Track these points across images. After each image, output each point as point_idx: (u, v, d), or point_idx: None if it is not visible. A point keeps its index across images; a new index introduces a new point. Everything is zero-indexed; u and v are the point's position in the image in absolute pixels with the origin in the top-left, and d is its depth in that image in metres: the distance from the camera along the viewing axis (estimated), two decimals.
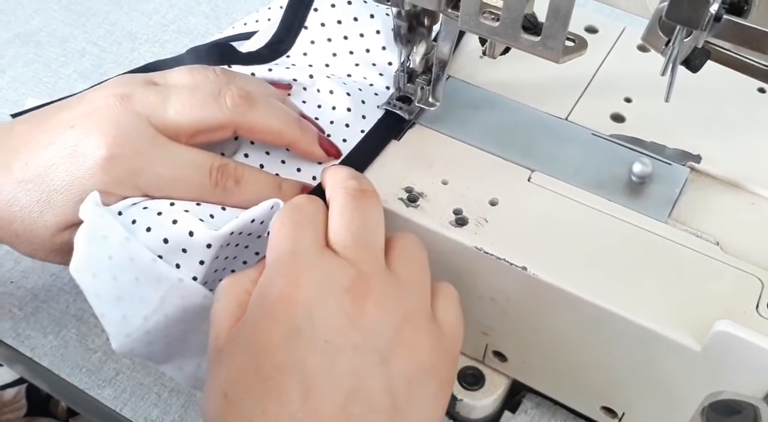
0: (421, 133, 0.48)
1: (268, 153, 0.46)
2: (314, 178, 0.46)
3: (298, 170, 0.46)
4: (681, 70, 0.38)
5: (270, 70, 0.49)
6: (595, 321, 0.41)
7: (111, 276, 0.39)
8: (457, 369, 0.48)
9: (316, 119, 0.48)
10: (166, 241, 0.40)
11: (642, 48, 0.52)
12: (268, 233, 0.40)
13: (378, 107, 0.49)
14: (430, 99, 0.48)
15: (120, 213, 0.40)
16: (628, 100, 0.50)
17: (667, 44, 0.36)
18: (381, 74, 0.51)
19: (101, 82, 0.46)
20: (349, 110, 0.48)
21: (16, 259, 0.57)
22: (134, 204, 0.41)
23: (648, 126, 0.48)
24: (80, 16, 0.74)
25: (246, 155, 0.45)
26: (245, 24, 0.57)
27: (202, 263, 0.40)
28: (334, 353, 0.35)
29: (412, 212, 0.44)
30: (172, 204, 0.41)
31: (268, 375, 0.35)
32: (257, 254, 0.44)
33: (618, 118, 0.49)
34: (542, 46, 0.37)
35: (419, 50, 0.46)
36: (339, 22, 0.52)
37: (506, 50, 0.43)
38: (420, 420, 0.37)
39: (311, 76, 0.49)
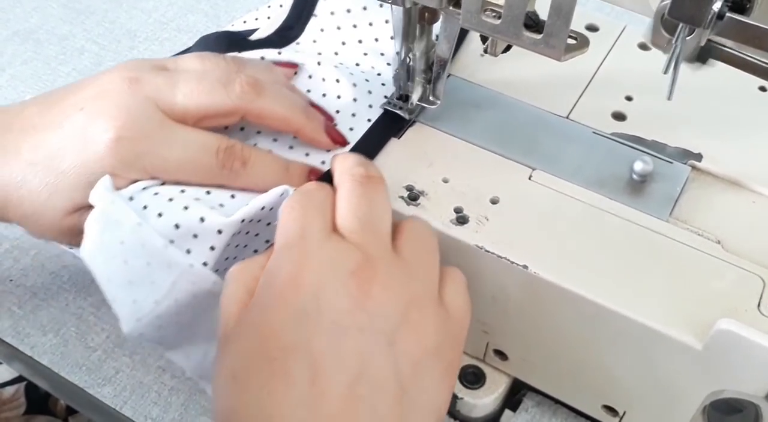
0: (421, 131, 0.48)
1: (275, 141, 0.46)
2: (323, 162, 0.46)
3: (306, 154, 0.46)
4: (682, 66, 0.38)
5: (279, 53, 0.50)
6: (596, 320, 0.41)
7: (122, 261, 0.40)
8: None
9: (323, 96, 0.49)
10: (177, 226, 0.40)
11: (643, 46, 0.52)
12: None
13: (379, 106, 0.49)
14: (431, 97, 0.48)
15: (131, 198, 0.41)
16: (629, 98, 0.50)
17: (669, 42, 0.35)
18: (389, 64, 0.51)
19: None
20: (355, 100, 0.49)
21: (15, 257, 0.57)
22: (144, 189, 0.41)
23: (649, 124, 0.48)
24: (79, 14, 0.74)
25: (255, 145, 0.46)
26: (245, 22, 0.57)
27: (212, 249, 0.41)
28: (340, 334, 0.36)
29: (413, 211, 0.44)
30: (182, 191, 0.41)
31: (275, 356, 0.35)
32: (267, 242, 0.45)
33: (619, 116, 0.49)
34: (544, 44, 0.37)
35: (420, 48, 0.46)
36: (348, 10, 0.52)
37: (507, 48, 0.43)
38: (426, 402, 0.37)
39: (319, 64, 0.49)
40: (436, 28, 0.45)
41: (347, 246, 0.38)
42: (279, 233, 0.39)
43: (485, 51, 0.43)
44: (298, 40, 0.53)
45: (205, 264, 0.41)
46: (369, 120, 0.48)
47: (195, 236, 0.40)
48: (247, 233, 0.43)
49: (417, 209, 0.44)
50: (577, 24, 0.47)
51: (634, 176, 0.45)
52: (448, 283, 0.40)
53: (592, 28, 0.53)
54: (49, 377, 0.52)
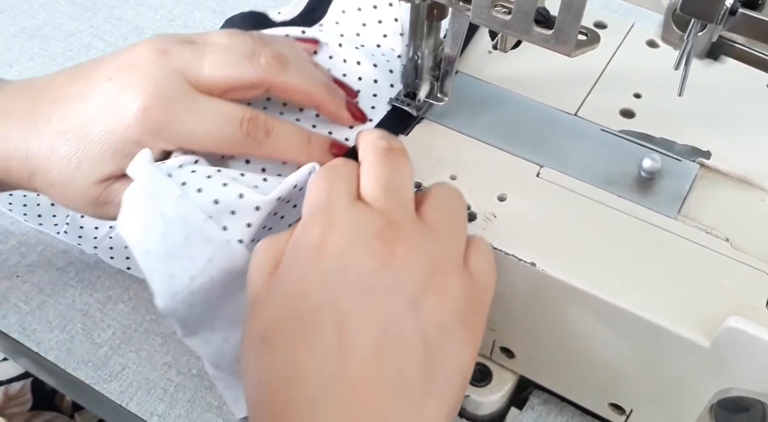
0: (429, 128, 0.48)
1: (298, 120, 0.47)
2: (346, 139, 0.47)
3: (329, 133, 0.47)
4: (692, 64, 0.38)
5: (303, 32, 0.50)
6: (603, 317, 0.41)
7: (162, 234, 0.40)
8: None
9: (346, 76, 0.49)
10: (216, 202, 0.40)
11: (651, 43, 0.52)
12: None
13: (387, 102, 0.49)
14: (439, 94, 0.48)
15: (169, 175, 0.41)
16: (637, 95, 0.49)
17: (680, 38, 0.35)
18: (399, 56, 0.51)
19: None
20: (375, 81, 0.49)
21: (22, 254, 0.57)
22: (181, 167, 0.42)
23: (657, 122, 0.48)
24: (86, 10, 0.74)
25: None
26: (279, 13, 0.58)
27: (249, 226, 0.41)
28: (366, 293, 0.37)
29: None
30: (219, 171, 0.42)
31: (303, 316, 0.36)
32: (290, 225, 0.45)
33: (627, 113, 0.49)
34: (555, 40, 0.37)
35: (428, 45, 0.46)
36: None
37: (517, 44, 0.43)
38: (451, 364, 0.37)
39: (340, 45, 0.50)
40: (445, 24, 0.45)
41: (371, 212, 0.39)
42: (306, 203, 0.40)
43: (495, 47, 0.43)
44: (321, 22, 0.53)
45: (240, 242, 0.41)
46: (390, 99, 0.49)
47: (233, 212, 0.41)
48: (275, 214, 0.43)
49: None
50: (586, 21, 0.46)
51: (643, 174, 0.45)
52: (473, 250, 0.41)
53: (600, 26, 0.53)
54: (55, 373, 0.52)
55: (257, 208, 0.41)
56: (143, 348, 0.53)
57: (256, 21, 0.53)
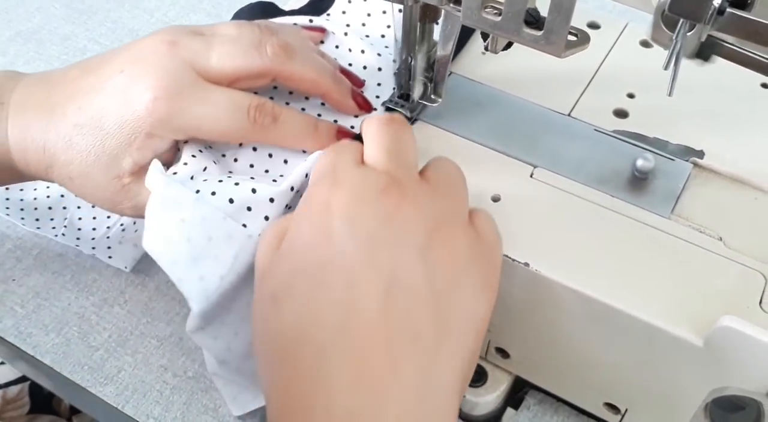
0: (423, 129, 0.48)
1: (304, 109, 0.47)
2: (352, 127, 0.47)
3: (335, 121, 0.47)
4: (684, 63, 0.38)
5: (310, 21, 0.51)
6: (597, 317, 0.41)
7: (185, 239, 0.40)
8: None
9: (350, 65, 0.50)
10: (231, 201, 0.41)
11: (645, 44, 0.52)
12: None
13: (381, 104, 0.49)
14: (432, 96, 0.48)
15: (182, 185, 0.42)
16: (630, 95, 0.49)
17: (670, 38, 0.35)
18: (395, 61, 0.51)
19: None
20: (380, 69, 0.50)
21: (18, 257, 0.57)
22: (193, 178, 0.43)
23: (651, 122, 0.48)
24: (82, 14, 0.74)
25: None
26: None
27: (267, 218, 0.42)
28: (372, 246, 0.37)
29: None
30: (229, 176, 0.43)
31: (311, 272, 0.37)
32: None
33: (621, 113, 0.49)
34: (544, 41, 0.37)
35: (421, 47, 0.46)
36: None
37: (508, 46, 0.43)
38: (464, 313, 0.38)
39: (345, 35, 0.51)
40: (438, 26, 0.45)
41: (375, 171, 0.40)
42: (313, 173, 0.42)
43: (486, 48, 0.43)
44: (328, 12, 0.54)
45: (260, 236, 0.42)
46: (394, 89, 0.49)
47: (249, 208, 0.42)
48: (288, 208, 0.44)
49: None
50: (579, 21, 0.47)
51: (636, 174, 0.45)
52: (477, 215, 0.42)
53: (593, 26, 0.53)
54: (52, 376, 0.52)
55: (271, 200, 0.42)
56: (139, 351, 0.53)
57: (264, 10, 0.55)
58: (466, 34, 0.51)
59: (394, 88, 0.49)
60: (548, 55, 0.39)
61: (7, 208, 0.56)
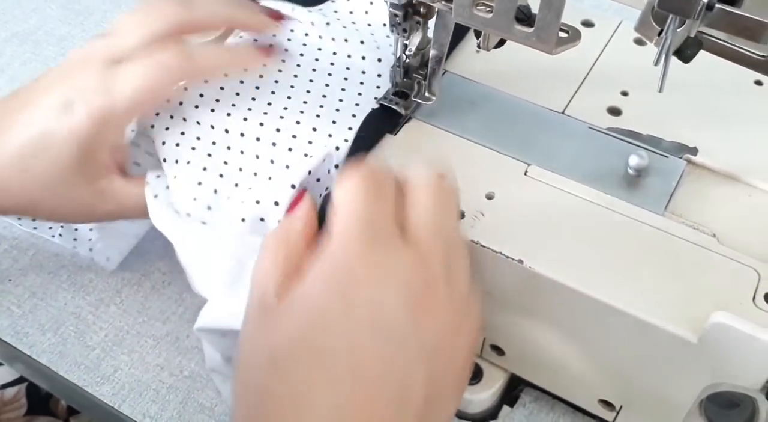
0: (417, 127, 0.48)
1: (298, 123, 0.47)
2: (345, 141, 0.47)
3: (329, 135, 0.47)
4: (676, 61, 0.38)
5: (309, 11, 0.51)
6: (591, 314, 0.41)
7: (220, 271, 0.44)
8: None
9: (347, 69, 0.50)
10: (243, 220, 0.44)
11: (638, 41, 0.52)
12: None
13: (375, 99, 0.49)
14: (427, 93, 0.48)
15: (189, 215, 0.45)
16: (624, 93, 0.50)
17: (659, 34, 0.35)
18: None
19: None
20: (379, 60, 0.50)
21: (14, 257, 0.57)
22: (196, 199, 0.45)
23: (645, 119, 0.48)
24: (78, 15, 0.75)
25: (278, 130, 0.47)
26: None
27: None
28: (388, 347, 0.35)
29: None
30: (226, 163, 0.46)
31: (321, 351, 0.35)
32: None
33: (615, 111, 0.49)
34: (535, 38, 0.37)
35: (415, 45, 0.46)
36: None
37: (501, 43, 0.43)
38: (453, 390, 0.39)
39: (345, 27, 0.51)
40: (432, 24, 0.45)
41: (414, 260, 0.37)
42: (342, 212, 0.37)
43: (479, 46, 0.43)
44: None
45: None
46: (378, 98, 0.49)
47: (262, 219, 0.44)
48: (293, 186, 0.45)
49: None
50: (573, 20, 0.47)
51: (630, 171, 0.45)
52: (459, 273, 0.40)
53: (587, 24, 0.53)
54: (48, 376, 0.52)
55: (276, 203, 0.43)
56: (135, 350, 0.53)
57: None
58: (460, 32, 0.51)
59: (377, 101, 0.49)
60: (542, 53, 0.39)
61: None
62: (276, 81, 0.49)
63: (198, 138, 0.47)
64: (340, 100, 0.49)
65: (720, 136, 0.47)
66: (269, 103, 0.48)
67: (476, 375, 0.49)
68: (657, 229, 0.43)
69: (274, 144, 0.46)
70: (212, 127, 0.47)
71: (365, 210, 0.37)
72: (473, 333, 0.40)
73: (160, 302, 0.55)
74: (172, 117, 0.47)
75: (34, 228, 0.56)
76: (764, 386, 0.40)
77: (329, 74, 0.50)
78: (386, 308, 0.36)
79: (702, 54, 0.39)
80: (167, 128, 0.47)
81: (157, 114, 0.47)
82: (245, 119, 0.47)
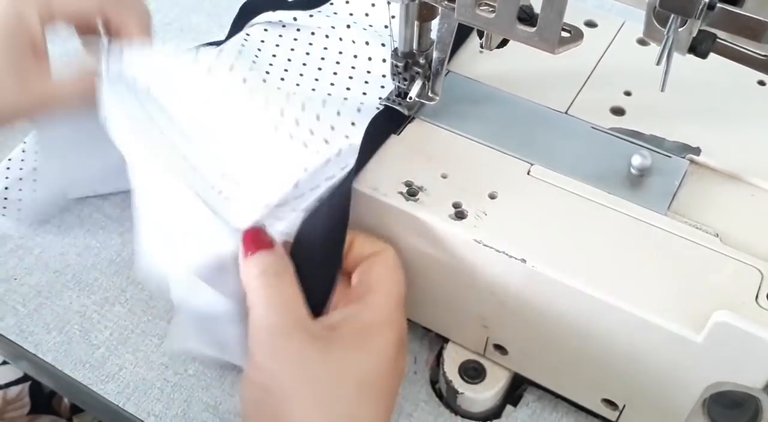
0: (420, 127, 0.48)
1: (318, 118, 0.47)
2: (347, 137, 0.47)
3: (311, 132, 0.47)
4: (681, 60, 0.38)
5: (311, 16, 0.51)
6: (594, 313, 0.41)
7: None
8: (457, 365, 0.50)
9: (353, 67, 0.50)
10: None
11: (641, 42, 0.52)
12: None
13: (379, 99, 0.49)
14: (430, 94, 0.48)
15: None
16: (627, 93, 0.50)
17: (663, 34, 0.36)
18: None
19: None
20: (384, 60, 0.50)
21: (19, 256, 0.57)
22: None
23: (647, 119, 0.48)
24: None
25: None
26: None
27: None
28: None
29: (412, 206, 0.44)
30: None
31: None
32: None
33: (618, 111, 0.49)
34: (538, 37, 0.37)
35: (418, 45, 0.47)
36: None
37: (503, 43, 0.43)
38: None
39: (348, 27, 0.51)
40: (435, 24, 0.45)
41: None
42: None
43: (482, 46, 0.43)
44: (332, 1, 0.54)
45: None
46: (382, 99, 0.49)
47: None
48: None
49: (416, 205, 0.44)
50: (576, 20, 0.47)
51: (633, 171, 0.45)
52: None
53: (590, 24, 0.53)
54: (53, 375, 0.53)
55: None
56: (140, 349, 0.53)
57: (266, 2, 0.54)
58: (463, 32, 0.51)
59: (381, 102, 0.49)
60: (545, 53, 0.39)
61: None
62: (282, 78, 0.49)
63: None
64: (345, 98, 0.49)
65: (723, 136, 0.47)
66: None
67: (479, 375, 0.49)
68: (660, 228, 0.43)
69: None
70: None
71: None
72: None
73: (164, 302, 0.55)
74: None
75: None
76: (767, 385, 0.40)
77: (334, 73, 0.50)
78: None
79: (712, 46, 0.39)
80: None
81: None
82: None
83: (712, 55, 0.39)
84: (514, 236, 0.42)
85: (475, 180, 0.45)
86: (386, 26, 0.52)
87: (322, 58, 0.51)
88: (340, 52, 0.51)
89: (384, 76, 0.50)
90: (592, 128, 0.48)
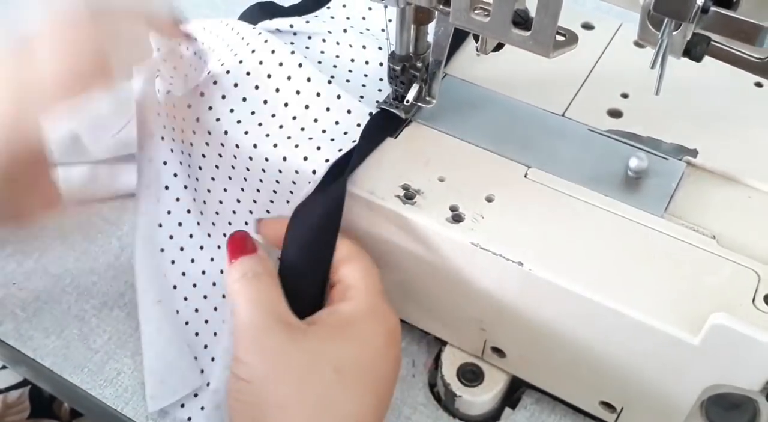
0: (417, 130, 0.48)
1: (316, 120, 0.48)
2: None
3: (310, 138, 0.47)
4: (678, 63, 0.38)
5: (307, 22, 0.52)
6: (591, 316, 0.41)
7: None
8: (455, 368, 0.49)
9: (350, 71, 0.51)
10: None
11: (638, 44, 0.52)
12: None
13: (376, 102, 0.49)
14: (427, 97, 0.48)
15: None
16: (624, 95, 0.50)
17: (657, 38, 0.36)
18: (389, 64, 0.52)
19: None
20: (381, 64, 0.50)
21: (18, 261, 0.57)
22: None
23: (644, 121, 0.48)
24: None
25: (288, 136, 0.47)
26: None
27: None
28: None
29: (409, 209, 0.44)
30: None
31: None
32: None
33: (615, 113, 0.49)
34: (532, 41, 0.37)
35: (415, 48, 0.47)
36: None
37: (499, 47, 0.43)
38: None
39: (345, 31, 0.51)
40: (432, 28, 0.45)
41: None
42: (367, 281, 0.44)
43: (477, 49, 0.43)
44: (329, 5, 0.55)
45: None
46: (378, 102, 0.49)
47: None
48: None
49: (413, 208, 0.44)
50: (573, 22, 0.47)
51: (630, 173, 0.45)
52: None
53: (587, 27, 0.53)
54: (52, 379, 0.53)
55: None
56: (138, 353, 0.53)
57: (262, 11, 0.55)
58: (460, 35, 0.51)
59: (378, 105, 0.49)
60: (542, 56, 0.39)
61: None
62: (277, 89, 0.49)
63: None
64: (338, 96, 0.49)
65: (720, 138, 0.47)
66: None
67: (477, 377, 0.49)
68: (657, 231, 0.43)
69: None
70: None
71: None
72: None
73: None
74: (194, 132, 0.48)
75: None
76: (764, 387, 0.40)
77: (331, 77, 0.50)
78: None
79: (707, 50, 0.39)
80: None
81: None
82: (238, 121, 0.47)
83: (708, 58, 0.39)
84: (511, 239, 0.42)
85: (472, 183, 0.45)
86: (383, 30, 0.53)
87: (319, 62, 0.51)
88: (337, 56, 0.51)
89: (381, 79, 0.50)
90: (589, 130, 0.48)
